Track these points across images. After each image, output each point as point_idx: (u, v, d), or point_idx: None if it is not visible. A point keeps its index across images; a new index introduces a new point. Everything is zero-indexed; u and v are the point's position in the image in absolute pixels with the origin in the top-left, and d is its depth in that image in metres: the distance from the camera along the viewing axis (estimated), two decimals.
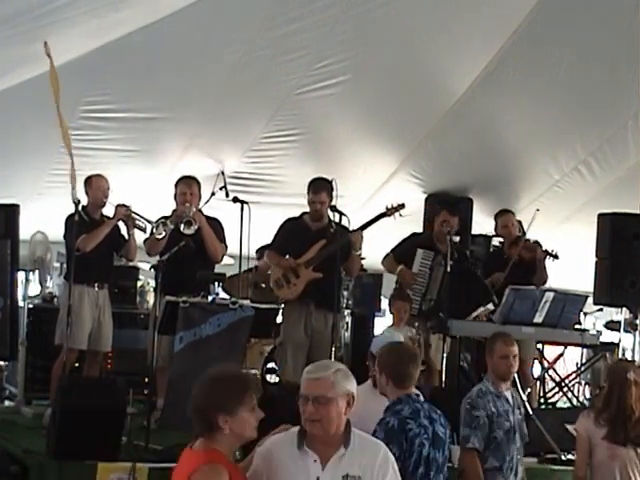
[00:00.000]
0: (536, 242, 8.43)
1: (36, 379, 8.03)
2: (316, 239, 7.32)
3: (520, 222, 9.16)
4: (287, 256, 7.40)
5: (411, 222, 8.57)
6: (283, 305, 7.50)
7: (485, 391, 5.27)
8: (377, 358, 4.79)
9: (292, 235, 7.43)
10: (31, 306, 8.21)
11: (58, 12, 5.71)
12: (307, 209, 7.48)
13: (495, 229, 8.94)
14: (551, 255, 8.25)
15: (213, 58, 7.77)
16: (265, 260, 8.04)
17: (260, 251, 8.37)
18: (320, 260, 7.23)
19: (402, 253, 8.14)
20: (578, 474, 5.24)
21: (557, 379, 8.69)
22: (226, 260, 7.91)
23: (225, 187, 7.88)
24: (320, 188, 7.30)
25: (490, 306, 7.69)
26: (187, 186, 7.42)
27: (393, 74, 8.38)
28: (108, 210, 7.47)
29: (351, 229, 7.35)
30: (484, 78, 8.46)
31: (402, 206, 7.60)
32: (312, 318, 7.27)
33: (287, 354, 7.28)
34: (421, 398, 4.54)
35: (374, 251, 8.26)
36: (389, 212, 7.57)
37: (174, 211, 7.39)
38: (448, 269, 7.61)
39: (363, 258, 7.94)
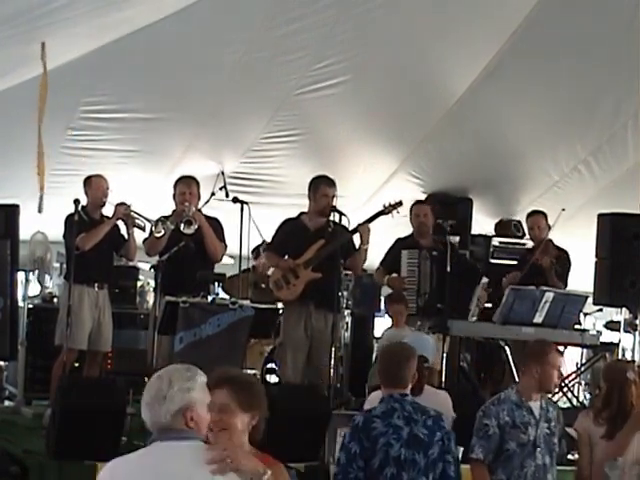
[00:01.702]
0: (556, 248, 8.35)
1: (36, 379, 8.04)
2: (315, 239, 7.33)
3: (519, 222, 9.15)
4: (286, 257, 7.40)
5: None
6: (283, 305, 7.50)
7: (503, 399, 5.01)
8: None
9: (291, 236, 7.43)
10: (31, 306, 8.22)
11: (58, 12, 5.70)
12: (306, 209, 7.51)
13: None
14: (554, 265, 8.19)
15: (213, 58, 7.77)
16: (262, 260, 8.05)
17: (255, 251, 8.37)
18: (319, 260, 7.24)
19: (390, 262, 8.15)
20: (582, 474, 5.19)
21: None
22: (226, 260, 7.91)
23: (225, 187, 7.91)
24: (333, 182, 7.38)
25: (485, 280, 7.70)
26: (186, 186, 7.42)
27: (393, 74, 8.38)
28: (108, 210, 7.47)
29: (353, 225, 7.37)
30: (484, 78, 8.46)
31: (400, 204, 7.61)
32: (312, 318, 7.27)
33: (287, 354, 7.29)
34: (408, 398, 4.53)
35: (374, 252, 8.26)
36: (387, 210, 7.58)
37: (174, 211, 7.39)
38: (448, 269, 7.60)
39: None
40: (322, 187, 7.37)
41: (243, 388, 3.36)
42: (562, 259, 8.34)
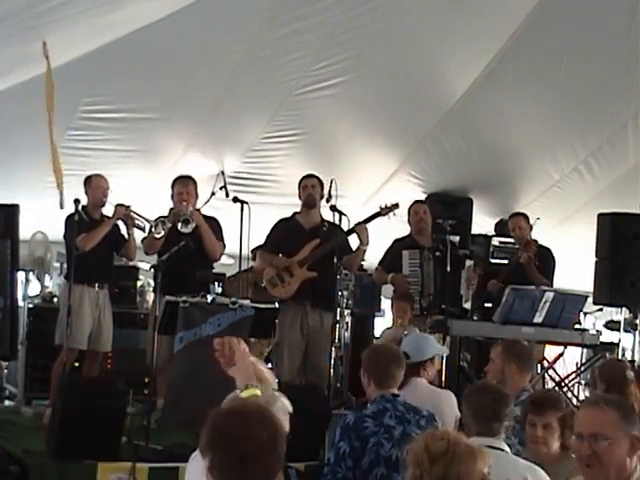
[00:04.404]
0: (540, 246, 8.38)
1: (36, 379, 8.03)
2: (310, 238, 7.33)
3: None
4: (280, 255, 7.41)
5: None
6: (278, 305, 7.49)
7: None
8: (362, 360, 4.76)
9: (285, 234, 7.45)
10: (31, 306, 8.21)
11: (58, 11, 5.70)
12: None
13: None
14: (532, 260, 8.21)
15: (213, 58, 7.77)
16: (257, 262, 8.04)
17: (254, 252, 8.37)
18: (314, 260, 7.24)
19: (390, 262, 8.13)
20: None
21: (557, 379, 8.67)
22: (226, 260, 7.90)
23: (225, 187, 7.88)
24: (310, 175, 7.53)
25: (469, 262, 7.81)
26: (183, 185, 7.43)
27: (393, 74, 8.38)
28: (108, 210, 7.48)
29: (351, 224, 7.37)
30: (484, 78, 8.46)
31: (396, 206, 7.61)
32: (308, 318, 7.28)
33: (283, 354, 7.29)
34: (399, 398, 4.52)
35: (374, 251, 8.27)
36: (383, 212, 7.58)
37: (171, 209, 7.40)
38: (448, 268, 7.60)
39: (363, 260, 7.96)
40: (302, 182, 7.55)
41: None
42: (544, 256, 8.39)
